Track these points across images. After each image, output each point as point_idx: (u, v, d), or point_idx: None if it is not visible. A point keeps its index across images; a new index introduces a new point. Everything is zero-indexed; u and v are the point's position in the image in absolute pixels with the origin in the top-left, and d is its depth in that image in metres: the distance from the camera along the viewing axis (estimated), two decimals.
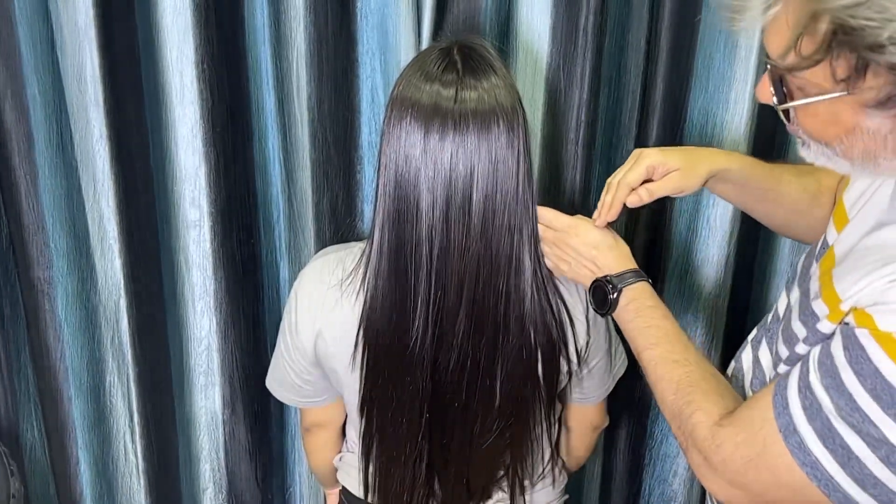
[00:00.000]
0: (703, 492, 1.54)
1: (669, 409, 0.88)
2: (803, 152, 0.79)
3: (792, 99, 0.73)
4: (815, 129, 0.74)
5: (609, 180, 1.02)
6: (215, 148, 1.26)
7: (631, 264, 0.99)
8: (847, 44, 0.64)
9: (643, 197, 0.99)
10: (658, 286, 1.44)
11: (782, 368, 0.86)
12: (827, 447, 0.72)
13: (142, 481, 1.48)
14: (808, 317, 0.82)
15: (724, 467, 0.80)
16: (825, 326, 0.79)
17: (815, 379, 0.74)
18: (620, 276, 0.97)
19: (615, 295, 0.96)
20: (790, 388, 0.77)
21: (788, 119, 0.76)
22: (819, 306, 0.80)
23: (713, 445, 0.81)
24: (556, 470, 1.21)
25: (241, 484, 1.51)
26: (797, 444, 0.74)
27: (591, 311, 1.06)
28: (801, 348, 0.83)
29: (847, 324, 0.74)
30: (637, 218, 1.37)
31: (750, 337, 1.02)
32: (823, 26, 0.64)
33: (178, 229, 1.32)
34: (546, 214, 1.01)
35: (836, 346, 0.74)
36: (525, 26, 1.21)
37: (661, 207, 1.37)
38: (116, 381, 1.43)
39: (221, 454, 1.48)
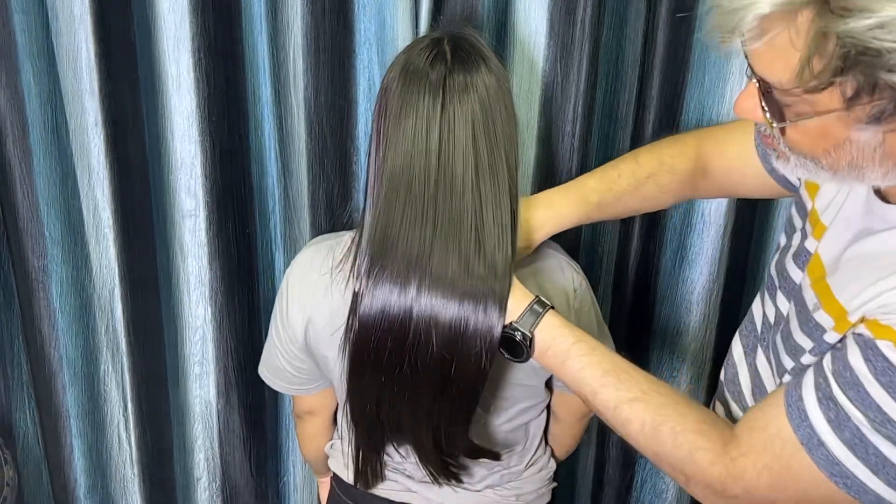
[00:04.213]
0: None
1: (651, 450, 0.85)
2: (778, 164, 0.77)
3: (782, 116, 0.71)
4: (802, 144, 0.72)
5: None
6: (211, 137, 1.26)
7: (525, 298, 0.92)
8: (862, 64, 0.62)
9: None
10: (652, 279, 1.44)
11: (788, 380, 0.84)
12: (858, 456, 0.71)
13: (136, 470, 1.48)
14: (812, 328, 0.80)
15: (748, 495, 0.78)
16: (831, 337, 0.77)
17: (837, 391, 0.72)
18: (521, 318, 0.91)
19: (527, 342, 0.90)
20: (806, 399, 0.75)
21: (774, 135, 0.74)
22: (822, 317, 0.79)
23: (731, 478, 0.78)
24: (545, 458, 1.22)
25: (235, 473, 1.51)
26: (824, 457, 0.73)
27: (575, 301, 1.06)
28: (807, 359, 0.81)
29: (861, 335, 0.73)
30: None
31: (737, 343, 1.00)
32: (832, 48, 0.62)
33: (174, 218, 1.32)
34: None
35: (855, 358, 0.72)
36: (522, 18, 1.21)
37: None
38: (111, 369, 1.43)
39: (215, 443, 1.48)
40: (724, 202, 1.35)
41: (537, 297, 0.93)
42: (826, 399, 0.73)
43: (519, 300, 0.92)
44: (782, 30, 0.64)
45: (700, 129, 1.13)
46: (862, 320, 0.74)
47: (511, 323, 0.92)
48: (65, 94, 1.23)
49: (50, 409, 1.43)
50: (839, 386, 0.73)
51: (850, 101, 0.65)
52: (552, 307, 0.92)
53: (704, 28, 0.68)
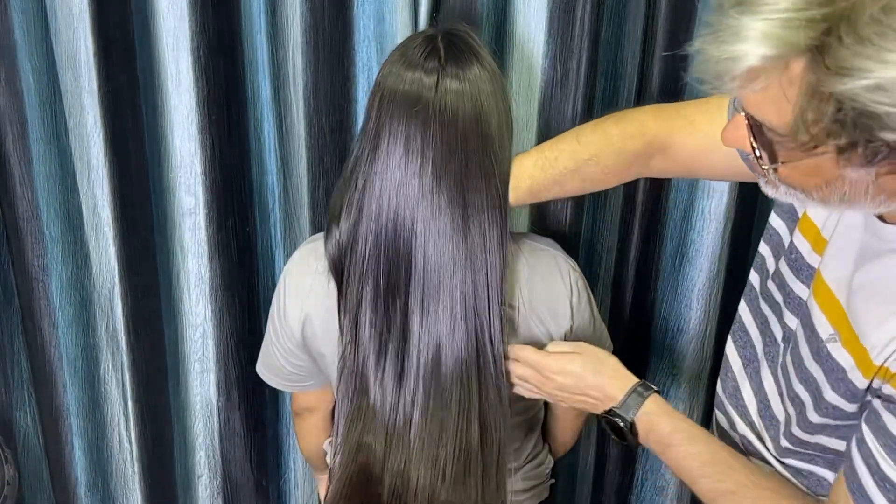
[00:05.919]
0: None
1: None
2: (767, 190, 0.75)
3: (773, 155, 0.69)
4: (793, 179, 0.70)
5: None
6: (211, 135, 1.26)
7: (627, 381, 0.93)
8: (860, 126, 0.60)
9: None
10: (652, 277, 1.44)
11: (812, 415, 0.82)
12: None
13: (136, 468, 1.49)
14: (825, 359, 0.79)
15: None
16: (857, 378, 0.76)
17: (888, 468, 0.72)
18: (623, 404, 0.92)
19: (628, 426, 0.92)
20: (866, 486, 0.74)
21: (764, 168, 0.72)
22: (840, 353, 0.78)
23: None
24: (543, 454, 1.22)
25: (236, 471, 1.52)
26: None
27: (573, 298, 1.07)
28: (831, 397, 0.79)
29: (893, 400, 0.71)
30: (633, 209, 1.38)
31: (732, 352, 0.98)
32: (828, 108, 0.60)
33: (174, 217, 1.32)
34: (519, 354, 0.99)
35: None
36: (521, 15, 1.21)
37: (657, 198, 1.38)
38: (111, 368, 1.44)
39: (216, 441, 1.48)
40: (724, 200, 1.35)
41: (641, 381, 0.94)
42: (882, 481, 0.73)
43: (621, 386, 0.93)
44: (774, 80, 0.63)
45: (659, 105, 1.06)
46: (887, 376, 0.72)
47: (612, 409, 0.93)
48: (64, 92, 1.23)
49: (50, 408, 1.43)
50: (890, 462, 0.72)
51: (844, 149, 0.63)
52: (657, 391, 0.93)
53: (690, 71, 0.64)
